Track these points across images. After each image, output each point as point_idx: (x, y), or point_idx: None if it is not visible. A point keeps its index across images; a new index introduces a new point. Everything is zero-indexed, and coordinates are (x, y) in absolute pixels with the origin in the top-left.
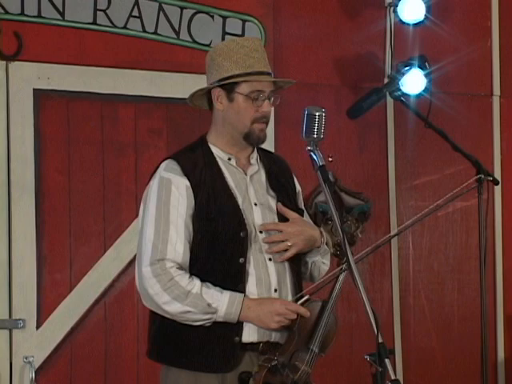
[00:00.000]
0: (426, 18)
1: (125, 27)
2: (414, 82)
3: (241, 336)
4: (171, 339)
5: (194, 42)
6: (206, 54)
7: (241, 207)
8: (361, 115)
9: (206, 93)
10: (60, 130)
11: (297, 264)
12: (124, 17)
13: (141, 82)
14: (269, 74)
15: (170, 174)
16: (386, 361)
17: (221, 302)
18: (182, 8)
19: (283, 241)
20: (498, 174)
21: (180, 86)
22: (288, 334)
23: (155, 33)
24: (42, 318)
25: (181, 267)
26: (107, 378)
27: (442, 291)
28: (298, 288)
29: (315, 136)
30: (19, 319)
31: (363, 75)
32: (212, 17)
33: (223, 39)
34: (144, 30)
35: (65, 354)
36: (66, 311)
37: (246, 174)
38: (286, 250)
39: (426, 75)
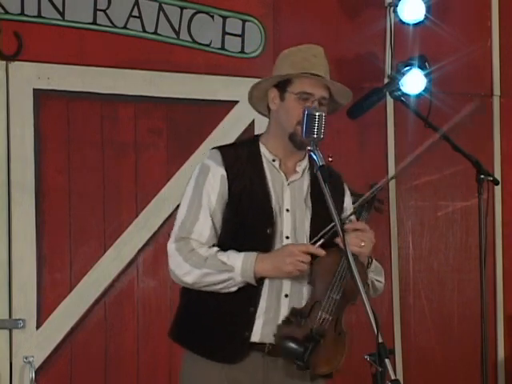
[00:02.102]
0: (426, 17)
1: (125, 27)
2: (414, 81)
3: (251, 332)
4: (189, 322)
5: (194, 42)
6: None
7: (273, 207)
8: (361, 115)
9: (264, 96)
10: (60, 130)
11: None
12: (124, 17)
13: (141, 82)
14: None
15: (211, 162)
16: (386, 361)
17: (236, 260)
18: (182, 8)
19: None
20: (498, 174)
21: (180, 86)
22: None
23: (155, 33)
24: (42, 318)
25: (203, 245)
26: (107, 377)
27: (442, 291)
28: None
29: (315, 136)
30: (19, 319)
31: (363, 75)
32: (212, 17)
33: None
34: (144, 30)
35: (65, 354)
36: (66, 311)
37: (286, 179)
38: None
39: (426, 75)
